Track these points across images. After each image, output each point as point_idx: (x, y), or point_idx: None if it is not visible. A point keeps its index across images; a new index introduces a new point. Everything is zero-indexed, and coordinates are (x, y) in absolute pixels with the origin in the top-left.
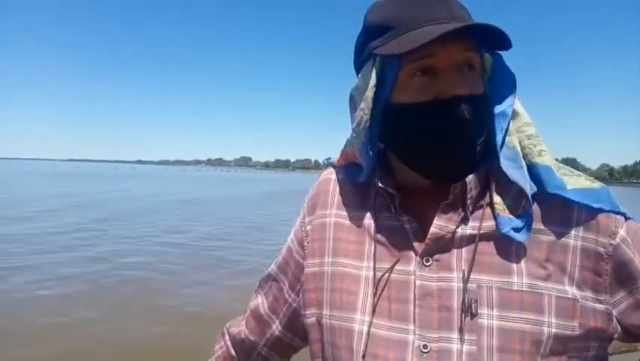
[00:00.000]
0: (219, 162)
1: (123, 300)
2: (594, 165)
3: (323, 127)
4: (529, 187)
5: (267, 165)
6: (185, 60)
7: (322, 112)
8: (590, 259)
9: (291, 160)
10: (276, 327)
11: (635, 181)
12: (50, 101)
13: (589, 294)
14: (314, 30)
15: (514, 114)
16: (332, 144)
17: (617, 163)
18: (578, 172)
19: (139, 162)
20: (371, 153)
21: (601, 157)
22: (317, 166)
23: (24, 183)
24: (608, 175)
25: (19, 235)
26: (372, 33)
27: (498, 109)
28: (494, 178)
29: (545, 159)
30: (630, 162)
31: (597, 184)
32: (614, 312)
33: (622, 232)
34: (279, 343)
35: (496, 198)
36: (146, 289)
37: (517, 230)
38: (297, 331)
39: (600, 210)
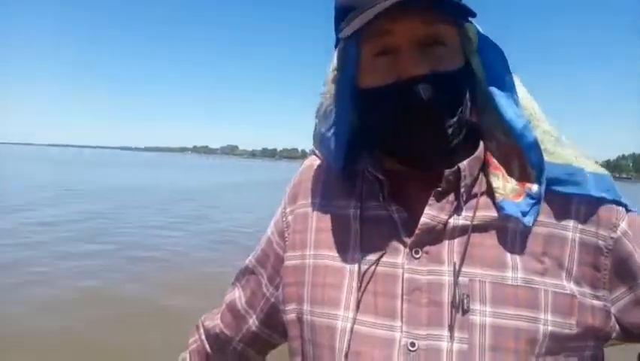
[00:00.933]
0: (205, 150)
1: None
2: None
3: (311, 116)
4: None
5: (253, 154)
6: (171, 46)
7: (310, 100)
8: (590, 253)
9: (278, 149)
10: (252, 322)
11: (617, 176)
12: (31, 83)
13: (587, 290)
14: (301, 16)
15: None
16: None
17: (599, 158)
18: (573, 144)
19: (123, 148)
20: (335, 142)
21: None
22: (304, 155)
23: (32, 172)
24: None
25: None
26: (339, 14)
27: (496, 84)
28: (492, 161)
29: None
30: (613, 156)
31: (602, 170)
32: (613, 309)
33: (623, 225)
34: (256, 339)
35: (496, 183)
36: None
37: (524, 214)
38: (275, 327)
39: (602, 200)
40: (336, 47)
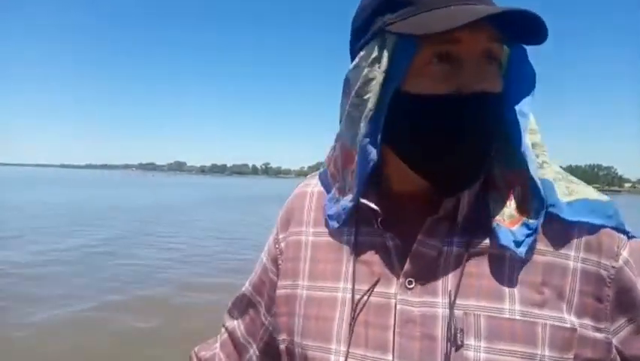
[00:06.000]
0: (152, 167)
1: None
2: None
3: (260, 131)
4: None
5: (202, 170)
6: (112, 60)
7: (259, 115)
8: (591, 283)
9: (228, 165)
10: (253, 352)
11: None
12: None
13: (588, 322)
14: (249, 28)
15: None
16: (270, 149)
17: None
18: (585, 184)
19: (63, 165)
20: (374, 151)
21: None
22: (254, 171)
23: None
24: None
25: None
26: (385, 6)
27: (515, 109)
28: (495, 185)
29: (546, 172)
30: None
31: (604, 197)
32: (614, 341)
33: (625, 253)
34: None
35: (495, 207)
36: None
37: (517, 244)
38: (274, 356)
39: (603, 227)
40: (365, 43)
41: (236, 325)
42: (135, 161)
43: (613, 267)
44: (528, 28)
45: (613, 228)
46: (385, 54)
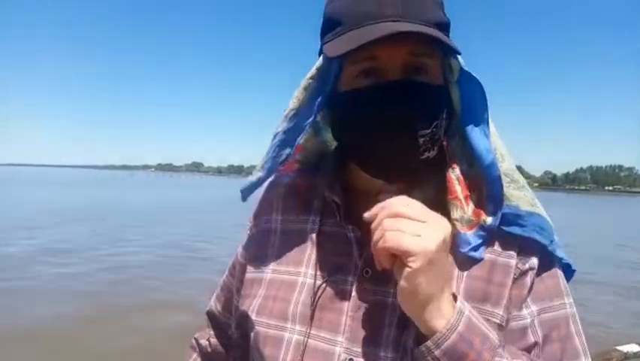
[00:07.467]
0: (169, 168)
1: None
2: (538, 173)
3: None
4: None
5: (219, 171)
6: (131, 61)
7: (277, 114)
8: (517, 282)
9: (245, 166)
10: (234, 327)
11: (575, 188)
12: None
13: (506, 314)
14: (266, 26)
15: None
16: None
17: (559, 171)
18: (527, 187)
19: (84, 166)
20: (283, 143)
21: (544, 165)
22: None
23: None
24: (551, 182)
25: None
26: (326, 26)
27: (472, 117)
28: (453, 189)
29: (516, 192)
30: (571, 169)
31: (547, 217)
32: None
33: (535, 261)
34: (242, 344)
35: (455, 214)
36: None
37: (475, 249)
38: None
39: (542, 246)
40: (320, 54)
41: (214, 306)
42: (154, 162)
43: (517, 267)
44: (441, 43)
45: (548, 250)
46: (315, 66)
